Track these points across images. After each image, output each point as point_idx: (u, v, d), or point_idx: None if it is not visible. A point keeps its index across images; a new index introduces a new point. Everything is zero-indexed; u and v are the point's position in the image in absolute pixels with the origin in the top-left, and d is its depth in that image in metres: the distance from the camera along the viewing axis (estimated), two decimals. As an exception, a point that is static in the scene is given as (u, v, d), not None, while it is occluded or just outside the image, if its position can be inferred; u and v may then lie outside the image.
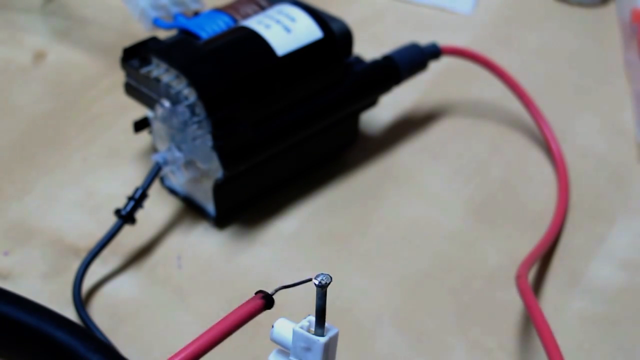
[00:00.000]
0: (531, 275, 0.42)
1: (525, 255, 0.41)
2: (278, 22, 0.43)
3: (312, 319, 0.27)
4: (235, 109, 0.41)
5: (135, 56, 0.43)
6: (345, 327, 0.34)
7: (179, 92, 0.40)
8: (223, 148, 0.40)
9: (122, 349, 0.37)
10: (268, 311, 0.40)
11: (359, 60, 0.47)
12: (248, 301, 0.27)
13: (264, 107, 0.42)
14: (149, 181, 0.42)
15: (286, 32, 0.43)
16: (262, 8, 0.46)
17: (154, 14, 0.45)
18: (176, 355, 0.26)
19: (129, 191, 0.43)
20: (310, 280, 0.26)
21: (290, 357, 0.28)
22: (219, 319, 0.26)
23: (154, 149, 0.46)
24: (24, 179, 0.46)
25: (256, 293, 0.27)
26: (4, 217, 0.44)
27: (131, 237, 0.43)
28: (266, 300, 0.27)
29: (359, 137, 0.49)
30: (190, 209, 0.45)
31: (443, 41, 0.51)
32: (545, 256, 0.43)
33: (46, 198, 0.45)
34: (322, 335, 0.27)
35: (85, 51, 0.56)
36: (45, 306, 0.35)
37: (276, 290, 0.27)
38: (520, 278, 0.38)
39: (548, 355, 0.33)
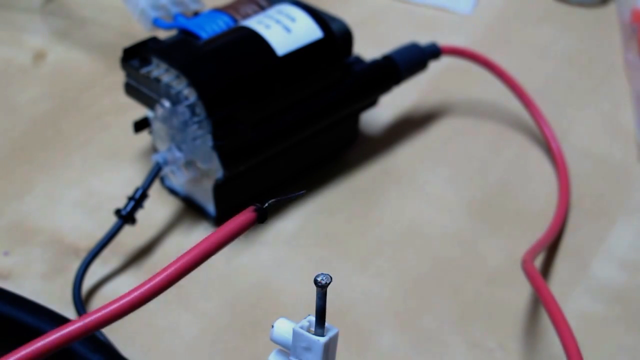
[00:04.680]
0: (531, 275, 0.42)
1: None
2: (278, 22, 0.43)
3: (312, 319, 0.27)
4: (236, 109, 0.41)
5: (135, 56, 0.43)
6: (345, 327, 0.34)
7: (179, 92, 0.40)
8: (223, 148, 0.40)
9: (122, 349, 0.37)
10: (268, 311, 0.40)
11: (359, 60, 0.47)
12: (240, 214, 0.26)
13: (264, 107, 0.42)
14: (149, 181, 0.42)
15: (286, 32, 0.43)
16: (262, 8, 0.46)
17: (154, 14, 0.45)
18: (172, 264, 0.25)
19: (129, 191, 0.43)
20: (304, 193, 0.26)
21: (290, 357, 0.27)
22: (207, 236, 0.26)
23: (154, 149, 0.46)
24: (24, 179, 0.46)
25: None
26: (4, 217, 0.44)
27: (131, 237, 0.43)
28: (259, 213, 0.26)
29: (359, 137, 0.49)
30: (190, 209, 0.45)
31: (443, 41, 0.51)
32: (545, 256, 0.43)
33: (46, 198, 0.45)
34: (322, 335, 0.27)
35: (85, 51, 0.56)
36: (45, 306, 0.35)
37: (269, 204, 0.26)
38: (526, 262, 0.38)
39: (559, 334, 0.33)
